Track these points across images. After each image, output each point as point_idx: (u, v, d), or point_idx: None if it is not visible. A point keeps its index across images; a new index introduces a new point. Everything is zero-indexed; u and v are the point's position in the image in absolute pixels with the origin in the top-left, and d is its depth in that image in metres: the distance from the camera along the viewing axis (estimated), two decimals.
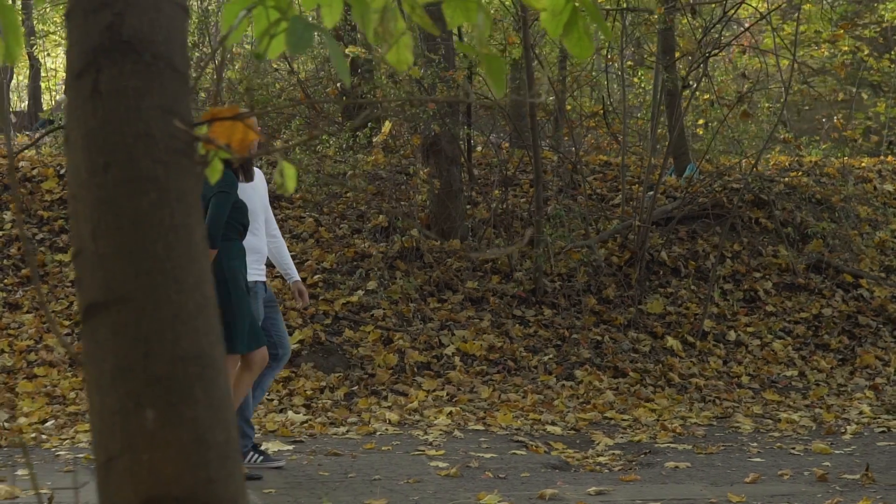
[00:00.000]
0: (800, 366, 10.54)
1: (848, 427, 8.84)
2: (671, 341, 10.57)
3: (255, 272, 6.95)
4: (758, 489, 6.74)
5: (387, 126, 9.98)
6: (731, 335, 10.87)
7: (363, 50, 10.38)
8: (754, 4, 12.74)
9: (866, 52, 18.08)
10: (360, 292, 10.67)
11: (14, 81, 26.00)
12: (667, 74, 11.92)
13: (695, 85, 11.84)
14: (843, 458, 7.69)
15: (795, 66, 11.20)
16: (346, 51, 10.29)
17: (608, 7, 11.95)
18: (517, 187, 12.60)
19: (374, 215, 11.73)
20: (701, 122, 12.94)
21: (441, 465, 7.29)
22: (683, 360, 10.46)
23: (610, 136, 13.40)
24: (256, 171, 7.21)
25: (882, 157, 15.23)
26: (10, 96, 24.08)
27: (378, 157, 10.29)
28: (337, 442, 8.15)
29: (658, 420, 9.02)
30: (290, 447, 7.89)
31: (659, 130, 12.90)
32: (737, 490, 6.66)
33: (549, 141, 15.33)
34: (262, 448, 7.40)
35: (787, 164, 13.52)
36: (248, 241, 6.85)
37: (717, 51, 10.85)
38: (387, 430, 8.57)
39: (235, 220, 6.63)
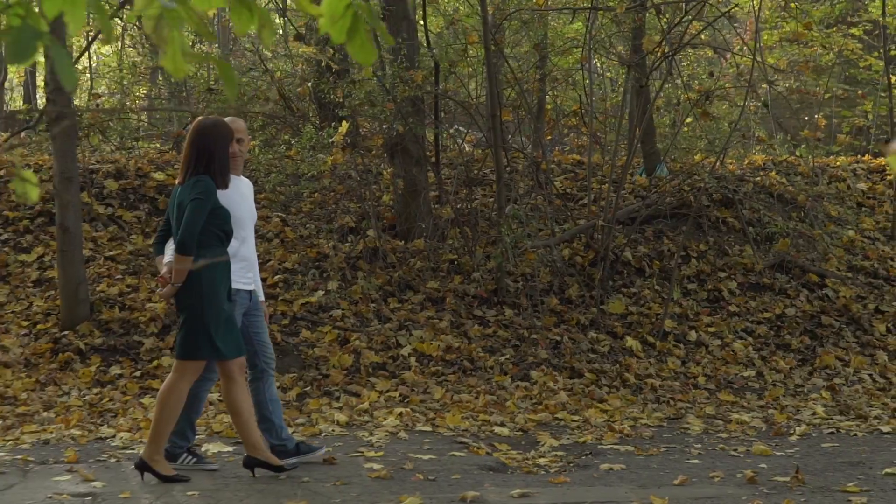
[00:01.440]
0: (759, 366, 10.50)
1: (797, 428, 8.79)
2: (630, 342, 10.54)
3: (240, 280, 6.94)
4: (684, 491, 6.70)
5: (344, 126, 9.97)
6: (692, 335, 10.83)
7: (317, 50, 10.37)
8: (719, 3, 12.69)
9: (852, 48, 18.01)
10: (320, 292, 10.67)
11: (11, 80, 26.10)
12: (636, 74, 11.88)
13: (660, 84, 11.80)
14: (783, 460, 7.65)
15: (758, 65, 11.13)
16: (303, 51, 10.29)
17: (574, 7, 11.92)
18: (487, 187, 12.59)
19: (341, 215, 11.74)
20: (666, 121, 12.89)
21: (376, 466, 7.28)
22: (641, 360, 10.43)
23: (588, 136, 13.36)
24: (244, 179, 7.21)
25: (858, 156, 15.17)
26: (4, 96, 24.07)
27: (338, 156, 10.28)
28: None
29: (608, 421, 8.99)
30: (231, 448, 7.88)
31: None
32: (663, 492, 6.63)
33: (529, 139, 15.32)
34: (200, 451, 7.39)
35: (761, 163, 13.47)
36: (235, 249, 6.85)
37: (674, 51, 10.80)
38: (333, 431, 8.56)
39: (216, 227, 6.62)
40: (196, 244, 6.52)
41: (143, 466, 6.80)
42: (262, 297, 7.32)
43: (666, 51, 10.74)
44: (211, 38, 2.74)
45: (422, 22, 12.43)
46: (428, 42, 11.99)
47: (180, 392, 6.75)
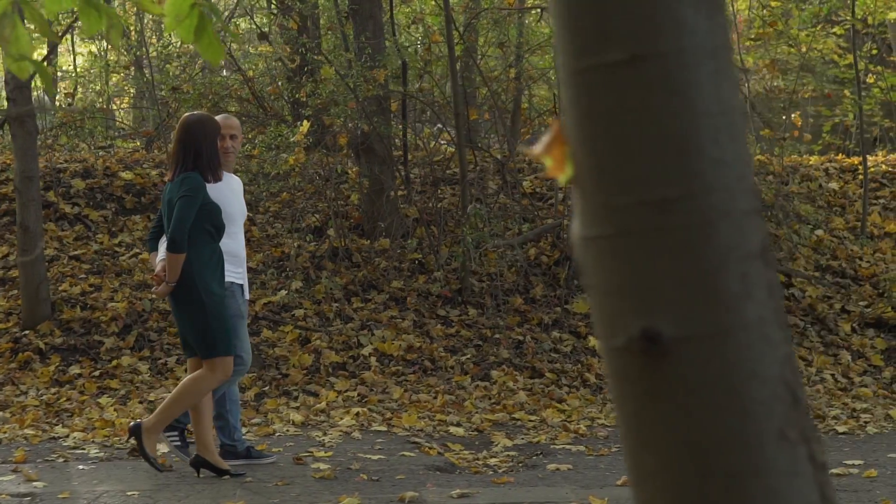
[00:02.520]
0: None
1: None
2: (594, 341, 10.52)
3: (232, 274, 6.96)
4: (624, 492, 6.68)
5: (305, 125, 9.95)
6: None
7: (288, 48, 10.37)
8: None
9: (831, 47, 17.97)
10: (283, 292, 10.65)
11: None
12: None
13: None
14: None
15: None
16: (261, 49, 10.28)
17: (543, 6, 11.89)
18: (455, 186, 12.56)
19: (310, 215, 11.73)
20: None
21: (322, 466, 7.26)
22: (603, 359, 10.40)
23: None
24: (234, 177, 7.23)
25: (831, 155, 15.14)
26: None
27: (300, 156, 10.26)
28: None
29: (564, 421, 8.97)
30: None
31: None
32: (604, 493, 6.61)
33: (505, 139, 15.29)
34: (187, 438, 7.32)
35: None
36: (226, 245, 6.86)
37: None
38: (287, 430, 8.54)
39: (206, 223, 6.63)
40: (187, 241, 6.54)
41: (135, 431, 6.78)
42: (247, 296, 7.35)
43: None
44: (53, 37, 2.73)
45: (392, 21, 12.40)
46: (396, 41, 11.97)
47: (205, 387, 6.74)
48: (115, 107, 18.90)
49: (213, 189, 6.73)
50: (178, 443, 7.15)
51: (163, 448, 7.44)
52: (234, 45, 14.09)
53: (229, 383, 7.17)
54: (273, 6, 11.81)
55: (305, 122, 9.96)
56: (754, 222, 1.37)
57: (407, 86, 11.90)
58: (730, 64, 1.38)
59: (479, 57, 14.77)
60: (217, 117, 7.17)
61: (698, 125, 1.35)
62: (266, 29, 12.15)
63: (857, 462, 7.51)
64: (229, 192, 6.99)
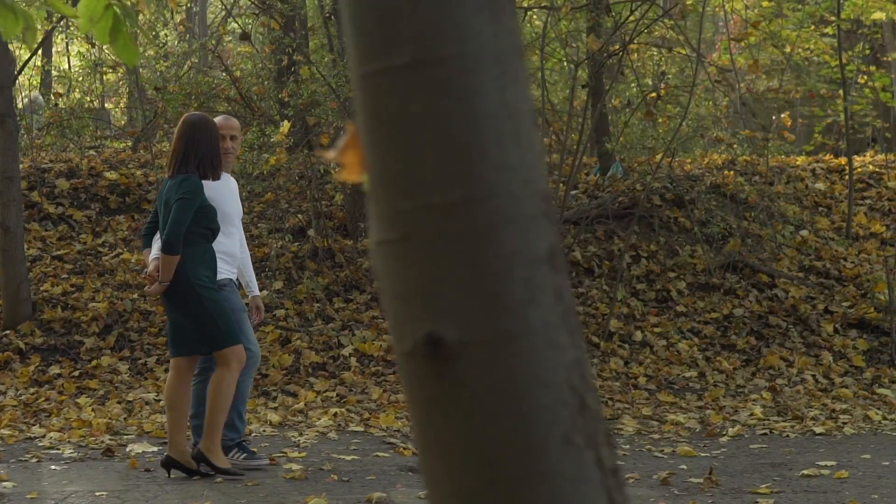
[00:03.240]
0: (702, 367, 10.47)
1: (730, 429, 8.77)
2: None
3: (225, 271, 6.99)
4: None
5: (285, 126, 9.96)
6: (638, 336, 10.80)
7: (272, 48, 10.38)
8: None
9: (822, 48, 17.97)
10: (265, 292, 10.64)
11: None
12: (586, 73, 11.86)
13: (610, 83, 11.78)
14: (705, 462, 7.61)
15: (702, 65, 11.11)
16: (241, 50, 10.27)
17: (525, 7, 11.89)
18: None
19: (293, 215, 11.73)
20: (628, 119, 12.86)
21: (295, 467, 7.25)
22: None
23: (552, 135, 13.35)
24: (232, 179, 7.25)
25: (819, 156, 15.13)
26: None
27: (281, 156, 10.26)
28: None
29: None
30: (157, 448, 7.86)
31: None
32: None
33: None
34: (247, 447, 7.33)
35: (720, 162, 13.43)
36: (221, 245, 6.89)
37: (621, 50, 10.76)
38: (264, 431, 8.54)
39: (202, 226, 6.66)
40: (182, 242, 6.56)
41: (200, 458, 6.82)
42: (256, 292, 7.45)
43: (611, 50, 10.71)
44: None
45: None
46: None
47: (229, 381, 6.76)
48: (111, 106, 18.93)
49: (211, 188, 6.76)
50: (244, 455, 7.18)
51: (134, 448, 7.44)
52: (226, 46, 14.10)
53: (245, 377, 7.18)
54: (255, 5, 11.79)
55: (286, 122, 9.95)
56: (541, 227, 1.37)
57: None
58: (518, 68, 1.37)
59: None
60: (217, 118, 7.20)
61: (481, 129, 1.34)
62: (249, 29, 12.15)
63: (830, 463, 7.50)
64: (227, 192, 7.03)
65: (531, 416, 1.32)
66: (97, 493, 6.53)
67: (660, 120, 12.20)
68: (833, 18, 19.21)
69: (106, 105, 18.31)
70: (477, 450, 1.32)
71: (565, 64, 14.42)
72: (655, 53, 13.92)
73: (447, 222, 1.33)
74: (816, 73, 20.09)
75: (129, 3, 13.84)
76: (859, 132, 22.20)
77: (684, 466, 7.43)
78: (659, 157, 11.71)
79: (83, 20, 2.55)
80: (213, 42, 14.20)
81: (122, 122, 18.04)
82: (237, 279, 7.24)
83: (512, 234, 1.35)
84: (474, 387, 1.33)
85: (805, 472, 7.20)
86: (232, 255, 7.06)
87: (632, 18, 11.07)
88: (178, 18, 17.78)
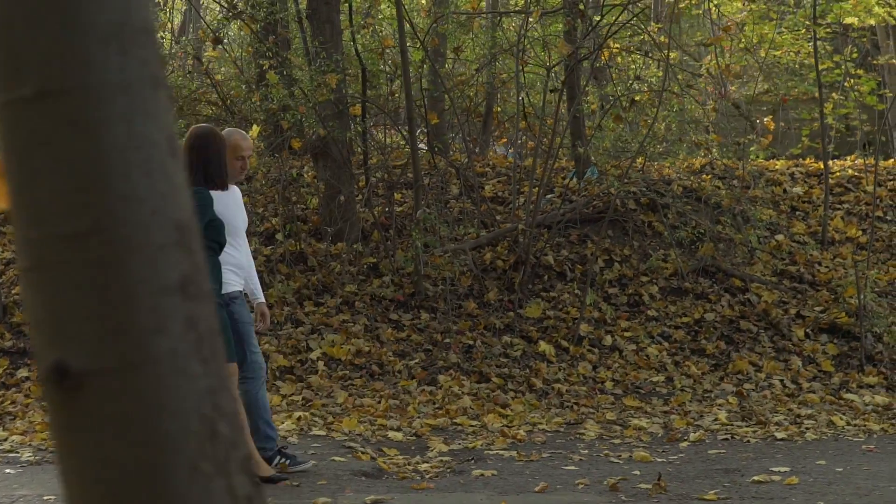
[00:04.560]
0: (670, 371, 10.46)
1: (692, 434, 8.77)
2: (544, 346, 10.52)
3: (234, 283, 7.04)
4: (541, 498, 6.70)
5: (255, 130, 9.97)
6: (608, 340, 10.80)
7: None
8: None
9: (809, 50, 17.97)
10: None
11: None
12: (557, 76, 11.86)
13: (586, 87, 11.79)
14: (660, 467, 7.62)
15: (672, 69, 11.11)
16: (208, 55, 10.30)
17: (502, 11, 11.89)
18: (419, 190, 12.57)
19: (267, 219, 11.76)
20: (609, 124, 12.87)
21: None
22: (553, 364, 10.40)
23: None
24: (235, 188, 7.27)
25: (798, 160, 15.13)
26: None
27: (252, 160, 10.26)
28: None
29: (505, 426, 8.98)
30: None
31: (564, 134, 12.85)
32: (521, 499, 6.62)
33: (476, 143, 15.30)
34: (286, 452, 7.38)
35: (699, 166, 13.43)
36: (230, 257, 6.94)
37: (591, 55, 10.77)
38: None
39: (209, 239, 6.68)
40: None
41: None
42: (261, 299, 7.50)
43: (582, 53, 10.72)
44: None
45: (351, 24, 12.42)
46: (356, 48, 11.99)
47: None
48: None
49: (219, 202, 6.78)
50: (286, 461, 7.25)
51: None
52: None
53: (257, 388, 7.21)
54: (226, 9, 11.82)
55: (255, 126, 9.97)
56: (172, 256, 1.38)
57: (367, 90, 11.92)
58: (150, 99, 1.38)
59: (452, 61, 14.77)
60: (233, 136, 7.18)
61: (106, 161, 1.36)
62: (221, 33, 12.17)
63: (783, 469, 7.50)
64: (233, 204, 7.07)
65: (157, 444, 1.34)
66: (45, 498, 6.56)
67: (642, 124, 12.21)
68: (809, 23, 19.20)
69: None
70: (105, 478, 1.34)
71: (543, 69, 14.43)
72: (639, 58, 13.92)
73: (73, 252, 1.35)
74: (806, 76, 20.04)
75: None
76: (849, 135, 22.17)
77: (637, 472, 7.44)
78: (627, 162, 11.73)
79: None
80: (191, 48, 14.21)
81: None
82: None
83: (138, 263, 1.36)
84: (101, 415, 1.34)
85: (756, 478, 7.20)
86: (240, 266, 7.12)
87: (604, 22, 11.07)
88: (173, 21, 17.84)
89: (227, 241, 6.81)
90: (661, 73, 11.66)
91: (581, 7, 11.29)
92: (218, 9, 14.97)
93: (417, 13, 15.24)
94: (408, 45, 11.95)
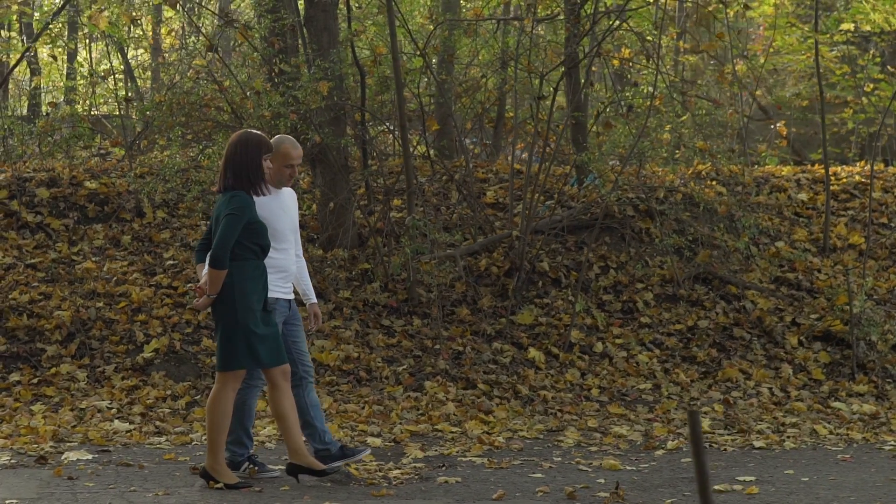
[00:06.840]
0: (659, 378, 10.44)
1: (669, 442, 8.75)
2: (533, 353, 10.53)
3: (278, 289, 7.13)
4: None
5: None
6: (599, 347, 10.80)
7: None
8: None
9: (825, 55, 17.88)
10: None
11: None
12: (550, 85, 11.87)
13: (581, 92, 11.78)
14: (627, 475, 7.62)
15: (661, 76, 11.08)
16: (196, 63, 10.41)
17: (501, 17, 11.93)
18: (419, 196, 12.62)
19: None
20: (620, 129, 12.88)
21: None
22: (541, 371, 10.41)
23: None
24: (288, 190, 7.37)
25: (804, 166, 15.03)
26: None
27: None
28: (144, 453, 8.25)
29: (485, 433, 9.00)
30: (93, 456, 8.00)
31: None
32: None
33: (486, 148, 15.33)
34: (256, 459, 7.52)
35: (703, 173, 13.38)
36: (274, 260, 7.05)
37: (578, 61, 10.77)
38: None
39: (251, 242, 6.82)
40: (230, 257, 6.73)
41: (206, 475, 7.07)
42: (313, 299, 7.56)
43: (569, 62, 10.73)
44: None
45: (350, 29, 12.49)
46: (354, 55, 12.06)
47: (225, 401, 7.00)
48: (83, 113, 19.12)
49: (262, 206, 6.90)
50: (255, 467, 7.39)
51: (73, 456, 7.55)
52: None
53: (307, 391, 7.33)
54: (219, 18, 11.94)
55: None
56: None
57: (365, 97, 11.99)
58: None
59: (464, 67, 14.81)
60: (284, 144, 7.22)
61: None
62: (215, 41, 12.27)
63: (749, 478, 7.48)
64: (280, 210, 7.14)
65: None
66: (7, 501, 6.66)
67: (635, 130, 12.19)
68: (812, 33, 19.08)
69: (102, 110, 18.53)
70: None
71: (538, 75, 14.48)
72: (645, 63, 13.91)
73: None
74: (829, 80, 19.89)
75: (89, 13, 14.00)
76: (873, 141, 22.05)
77: (602, 480, 7.44)
78: (629, 168, 11.71)
79: None
80: (200, 53, 14.35)
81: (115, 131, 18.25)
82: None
83: None
84: None
85: (717, 487, 7.18)
86: (285, 270, 7.18)
87: (600, 28, 11.08)
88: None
89: (270, 244, 6.93)
90: (662, 83, 11.62)
91: (587, 10, 11.29)
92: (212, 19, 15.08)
93: (421, 17, 15.30)
94: (409, 51, 12.02)
